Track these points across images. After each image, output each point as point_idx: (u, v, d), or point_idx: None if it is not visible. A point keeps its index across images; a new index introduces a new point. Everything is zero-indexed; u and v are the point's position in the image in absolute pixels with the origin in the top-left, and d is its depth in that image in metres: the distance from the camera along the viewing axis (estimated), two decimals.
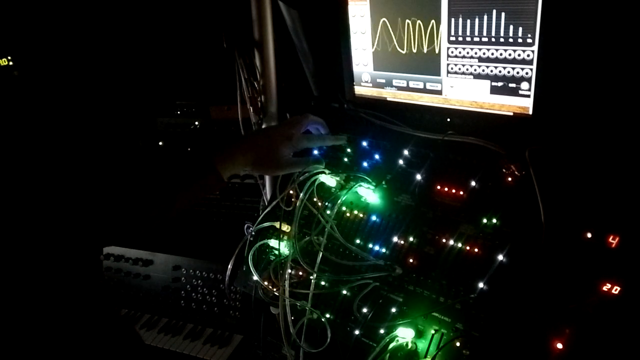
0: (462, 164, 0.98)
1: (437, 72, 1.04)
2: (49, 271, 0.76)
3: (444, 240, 0.92)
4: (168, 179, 0.90)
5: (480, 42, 0.95)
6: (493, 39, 0.93)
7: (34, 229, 0.74)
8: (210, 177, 0.93)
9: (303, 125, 1.07)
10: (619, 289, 0.74)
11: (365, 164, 1.10)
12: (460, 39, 0.97)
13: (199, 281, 1.55)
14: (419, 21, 1.01)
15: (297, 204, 1.02)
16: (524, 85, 0.94)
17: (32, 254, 0.74)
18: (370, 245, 1.00)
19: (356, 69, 1.18)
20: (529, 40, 0.89)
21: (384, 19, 1.07)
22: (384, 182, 1.04)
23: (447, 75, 1.03)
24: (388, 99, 1.16)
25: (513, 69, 0.94)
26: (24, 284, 0.73)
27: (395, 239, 0.98)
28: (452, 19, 0.96)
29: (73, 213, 0.79)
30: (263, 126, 1.34)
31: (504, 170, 0.90)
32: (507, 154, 0.90)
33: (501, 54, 0.94)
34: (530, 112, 0.95)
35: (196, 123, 1.67)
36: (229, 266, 1.15)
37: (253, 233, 1.14)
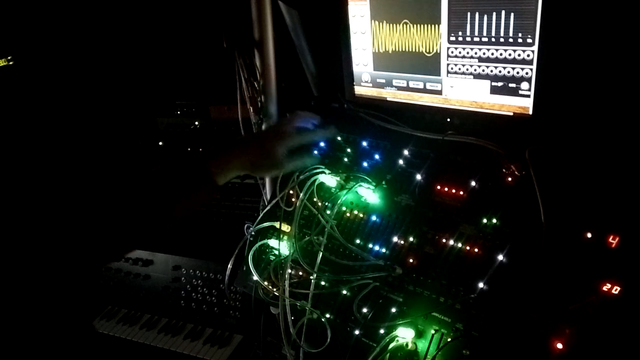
0: (462, 164, 0.98)
1: (437, 72, 1.04)
2: (38, 278, 0.76)
3: (444, 240, 0.92)
4: (165, 191, 0.91)
5: (480, 42, 0.95)
6: (493, 39, 0.93)
7: (28, 232, 0.74)
8: (207, 186, 0.94)
9: (294, 122, 1.07)
10: (619, 289, 0.74)
11: (365, 164, 1.10)
12: (460, 39, 0.97)
13: (199, 281, 1.55)
14: (419, 21, 1.01)
15: (297, 204, 1.02)
16: (524, 85, 0.94)
17: (22, 258, 0.74)
18: (370, 245, 1.00)
19: (356, 69, 1.18)
20: (529, 40, 0.89)
21: (384, 19, 1.07)
22: (384, 182, 1.04)
23: (447, 75, 1.03)
24: (388, 99, 1.16)
25: (513, 69, 0.94)
26: (15, 286, 0.73)
27: (395, 239, 0.98)
28: (452, 19, 0.96)
29: (70, 220, 0.79)
30: (263, 126, 1.34)
31: (504, 170, 0.90)
32: (507, 154, 0.90)
33: (501, 54, 0.94)
34: (530, 112, 0.95)
35: (196, 123, 1.67)
36: (229, 266, 1.15)
37: (253, 233, 1.14)
